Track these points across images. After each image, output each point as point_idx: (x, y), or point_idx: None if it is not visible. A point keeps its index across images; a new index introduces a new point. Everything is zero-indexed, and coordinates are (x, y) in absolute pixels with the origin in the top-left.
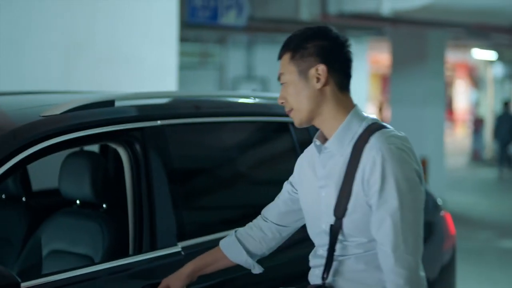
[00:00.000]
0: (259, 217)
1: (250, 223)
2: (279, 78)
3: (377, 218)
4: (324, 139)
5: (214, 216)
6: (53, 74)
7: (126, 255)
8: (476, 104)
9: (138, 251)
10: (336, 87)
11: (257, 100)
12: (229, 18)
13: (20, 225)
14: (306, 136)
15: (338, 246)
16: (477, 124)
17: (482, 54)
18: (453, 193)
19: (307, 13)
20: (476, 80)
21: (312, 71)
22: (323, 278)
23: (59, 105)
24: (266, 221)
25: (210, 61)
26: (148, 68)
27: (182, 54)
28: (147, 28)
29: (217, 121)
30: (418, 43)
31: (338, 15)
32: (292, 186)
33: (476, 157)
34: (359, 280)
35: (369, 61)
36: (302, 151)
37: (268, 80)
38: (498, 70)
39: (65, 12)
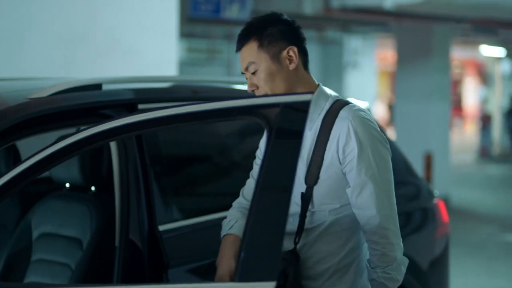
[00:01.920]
0: (238, 205)
1: (235, 209)
2: (246, 69)
3: (358, 184)
4: None
5: (199, 202)
6: (54, 65)
7: (113, 237)
8: (484, 101)
9: (125, 234)
10: (302, 66)
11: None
12: (232, 12)
13: (14, 210)
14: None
15: (308, 214)
16: (485, 120)
17: (490, 51)
18: (459, 189)
19: (310, 7)
20: (484, 77)
21: (284, 54)
22: (295, 243)
23: (46, 88)
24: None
25: (218, 57)
26: (148, 61)
27: (190, 50)
28: (147, 20)
29: None
30: (423, 38)
31: (341, 9)
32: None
33: (484, 153)
34: (326, 248)
35: (377, 58)
36: None
37: None
38: (506, 66)
39: (66, 4)
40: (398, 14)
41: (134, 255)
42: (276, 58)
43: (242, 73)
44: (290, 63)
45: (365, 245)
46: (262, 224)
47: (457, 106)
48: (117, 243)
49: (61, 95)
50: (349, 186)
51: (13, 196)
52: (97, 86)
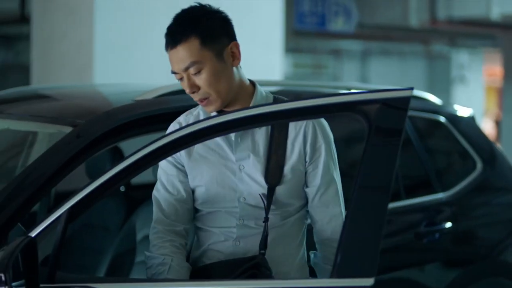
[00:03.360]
0: (162, 228)
1: (163, 239)
2: (186, 69)
3: (325, 181)
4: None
5: None
6: (156, 74)
7: None
8: None
9: None
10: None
11: None
12: (337, 24)
13: (118, 213)
14: None
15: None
16: None
17: None
18: None
19: (416, 19)
20: None
21: (228, 50)
22: (264, 248)
23: (152, 90)
24: (178, 226)
25: (324, 72)
26: (253, 73)
27: (296, 65)
28: (252, 32)
29: None
30: None
31: (447, 21)
32: (181, 172)
33: None
34: (285, 249)
35: (485, 73)
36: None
37: None
38: None
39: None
40: (505, 26)
41: None
42: (220, 55)
43: (174, 73)
44: (233, 60)
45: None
46: (360, 222)
47: None
48: None
49: (166, 97)
50: (307, 186)
51: (117, 200)
52: None
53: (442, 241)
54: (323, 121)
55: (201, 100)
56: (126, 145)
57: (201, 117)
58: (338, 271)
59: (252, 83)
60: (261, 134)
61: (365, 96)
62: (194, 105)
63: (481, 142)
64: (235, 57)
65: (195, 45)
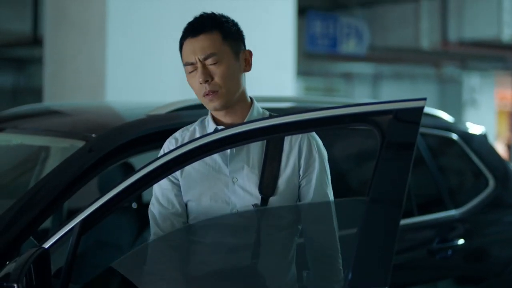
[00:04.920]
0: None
1: None
2: (204, 59)
3: (317, 196)
4: (225, 124)
5: None
6: (169, 91)
7: None
8: None
9: None
10: None
11: None
12: (349, 46)
13: (130, 230)
14: None
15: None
16: None
17: None
18: None
19: (427, 41)
20: None
21: (243, 55)
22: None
23: (164, 106)
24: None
25: (335, 96)
26: (264, 92)
27: (307, 89)
28: (263, 53)
29: None
30: None
31: (459, 43)
32: (175, 186)
33: None
34: (276, 265)
35: (497, 97)
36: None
37: None
38: None
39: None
40: None
41: None
42: (237, 56)
43: (188, 64)
44: (246, 66)
45: None
46: (373, 232)
47: None
48: None
49: (179, 112)
50: (300, 201)
51: (129, 217)
52: None
53: (455, 258)
54: (317, 137)
55: (209, 93)
56: (137, 161)
57: (197, 133)
58: (352, 281)
59: (251, 99)
60: (256, 146)
61: (378, 107)
62: None
63: (493, 159)
64: (248, 63)
65: (218, 38)
